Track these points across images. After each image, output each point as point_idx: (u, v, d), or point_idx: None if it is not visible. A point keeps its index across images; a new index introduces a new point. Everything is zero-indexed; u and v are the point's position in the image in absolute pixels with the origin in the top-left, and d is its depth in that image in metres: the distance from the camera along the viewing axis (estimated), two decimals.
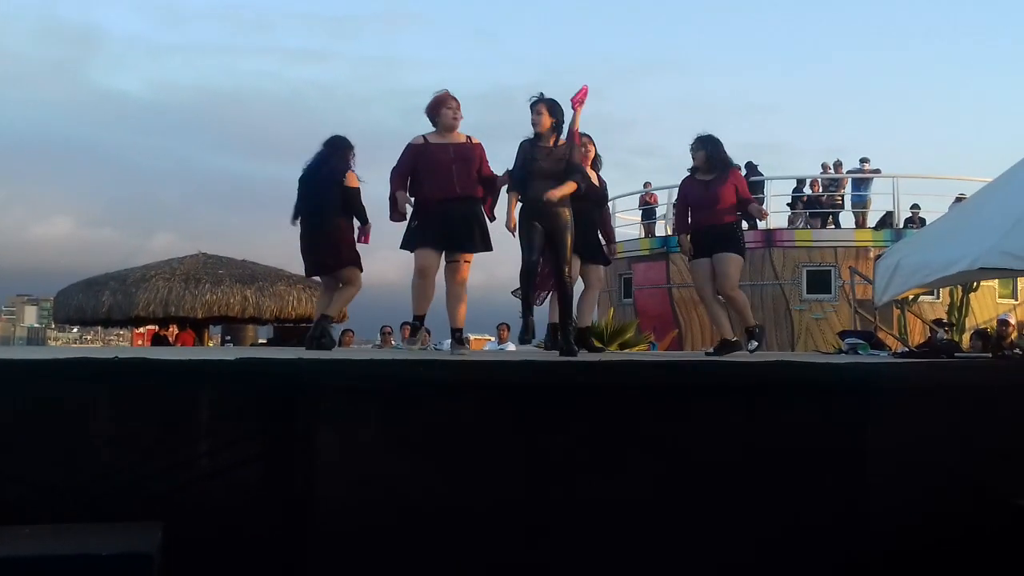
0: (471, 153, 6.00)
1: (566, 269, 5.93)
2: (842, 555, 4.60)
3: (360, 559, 4.04)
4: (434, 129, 6.06)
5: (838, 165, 18.55)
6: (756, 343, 6.77)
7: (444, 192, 5.87)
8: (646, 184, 20.63)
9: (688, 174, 6.86)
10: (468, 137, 6.07)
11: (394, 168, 6.04)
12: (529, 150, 5.86)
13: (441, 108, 5.99)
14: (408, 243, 5.99)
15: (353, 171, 6.47)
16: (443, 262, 6.03)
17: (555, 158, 5.79)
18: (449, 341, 6.13)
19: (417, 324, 6.13)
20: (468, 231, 5.93)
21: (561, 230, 5.77)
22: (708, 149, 6.67)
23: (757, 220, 7.04)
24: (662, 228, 19.78)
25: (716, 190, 6.61)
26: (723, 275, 6.60)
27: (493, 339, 14.94)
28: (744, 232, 7.12)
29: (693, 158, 6.75)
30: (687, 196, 6.83)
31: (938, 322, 13.55)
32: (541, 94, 5.92)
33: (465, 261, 6.02)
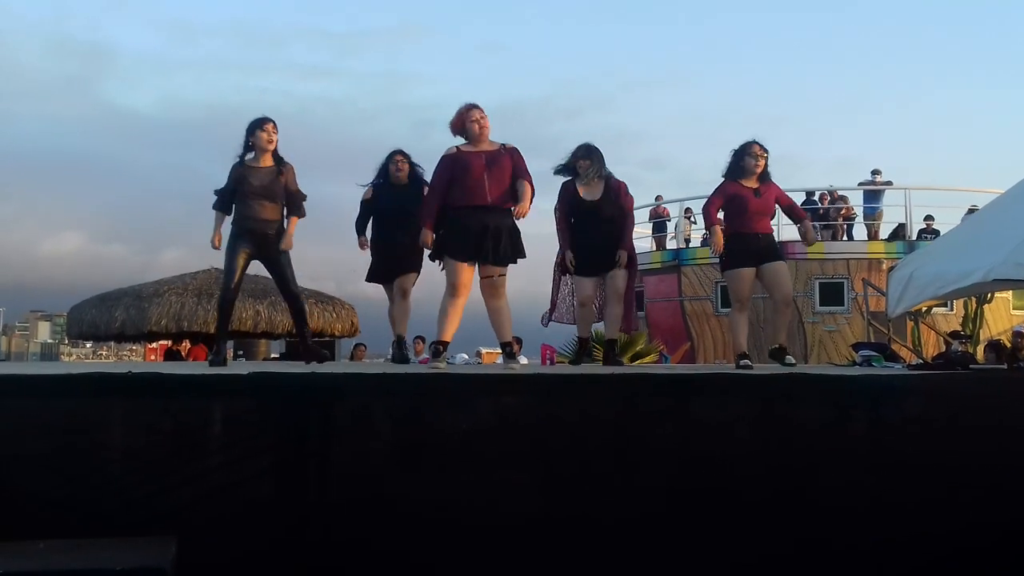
0: (503, 160, 5.81)
1: (291, 284, 6.00)
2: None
3: (373, 573, 4.04)
4: (464, 141, 5.91)
5: (833, 192, 18.48)
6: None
7: (475, 199, 5.71)
8: (657, 197, 20.57)
9: (725, 179, 6.62)
10: (502, 145, 5.90)
11: (431, 184, 5.90)
12: (240, 170, 5.88)
13: (465, 122, 5.86)
14: (438, 252, 5.84)
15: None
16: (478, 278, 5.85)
17: (264, 175, 5.81)
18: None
19: (440, 349, 5.82)
20: (499, 242, 5.72)
21: (273, 249, 5.83)
22: (767, 156, 6.52)
23: (804, 242, 6.89)
24: (673, 242, 19.79)
25: (767, 197, 6.53)
26: (785, 286, 6.57)
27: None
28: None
29: (753, 164, 6.49)
30: (733, 200, 6.54)
31: (954, 334, 13.47)
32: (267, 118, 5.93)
33: (500, 275, 5.80)
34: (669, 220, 20.18)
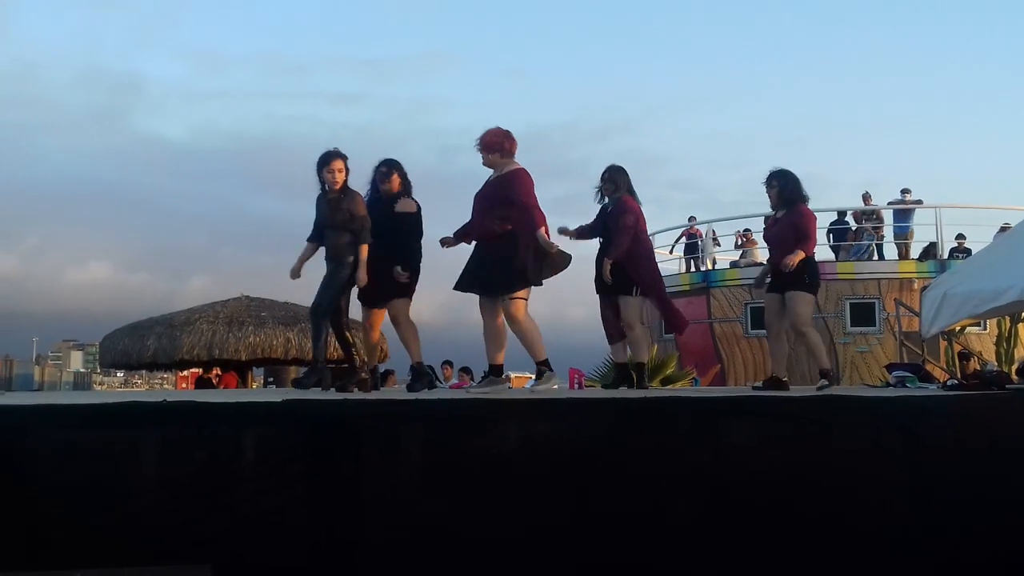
0: (489, 193, 5.93)
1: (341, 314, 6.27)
2: None
3: None
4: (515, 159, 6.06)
5: (867, 197, 18.24)
6: (826, 383, 6.55)
7: (464, 237, 6.06)
8: (691, 218, 20.34)
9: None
10: (498, 174, 5.94)
11: (533, 202, 5.96)
12: (320, 201, 5.97)
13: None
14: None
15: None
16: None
17: (341, 209, 5.82)
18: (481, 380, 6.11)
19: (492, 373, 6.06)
20: (480, 272, 5.89)
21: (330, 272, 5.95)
22: (780, 184, 6.70)
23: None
24: (704, 263, 19.66)
25: (782, 227, 6.69)
26: (792, 313, 6.58)
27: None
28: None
29: (768, 195, 6.80)
30: (764, 232, 7.04)
31: (962, 355, 13.34)
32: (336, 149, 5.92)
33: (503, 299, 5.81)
34: (701, 240, 20.03)
